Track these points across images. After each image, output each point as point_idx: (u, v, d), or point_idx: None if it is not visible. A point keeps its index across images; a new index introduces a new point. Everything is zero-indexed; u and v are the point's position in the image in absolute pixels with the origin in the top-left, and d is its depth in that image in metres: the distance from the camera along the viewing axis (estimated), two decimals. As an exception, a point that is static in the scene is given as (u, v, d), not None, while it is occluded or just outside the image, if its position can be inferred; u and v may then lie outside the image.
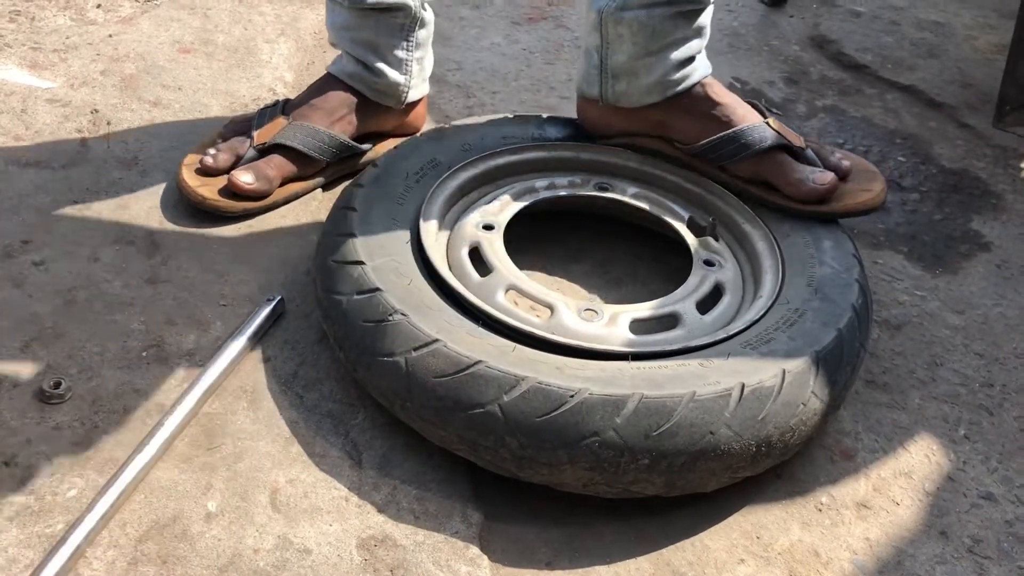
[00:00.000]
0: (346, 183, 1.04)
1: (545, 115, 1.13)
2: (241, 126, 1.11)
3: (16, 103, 1.18)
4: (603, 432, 0.76)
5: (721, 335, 0.88)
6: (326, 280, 0.90)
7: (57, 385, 0.84)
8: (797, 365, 0.82)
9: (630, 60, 1.02)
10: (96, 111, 1.19)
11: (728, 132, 1.02)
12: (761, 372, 0.81)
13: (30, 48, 1.28)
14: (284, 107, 1.11)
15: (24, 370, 0.86)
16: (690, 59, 1.03)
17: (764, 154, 1.01)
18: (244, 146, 1.07)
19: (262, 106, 1.14)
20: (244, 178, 1.04)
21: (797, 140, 1.03)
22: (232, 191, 1.04)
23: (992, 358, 1.02)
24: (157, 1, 1.43)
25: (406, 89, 1.14)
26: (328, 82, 1.13)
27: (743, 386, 0.79)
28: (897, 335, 1.03)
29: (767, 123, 1.03)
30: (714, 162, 1.04)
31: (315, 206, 1.10)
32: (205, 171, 1.06)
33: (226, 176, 1.05)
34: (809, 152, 1.03)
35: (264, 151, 1.07)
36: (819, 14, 1.65)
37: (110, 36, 1.33)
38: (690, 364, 0.82)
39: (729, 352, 0.84)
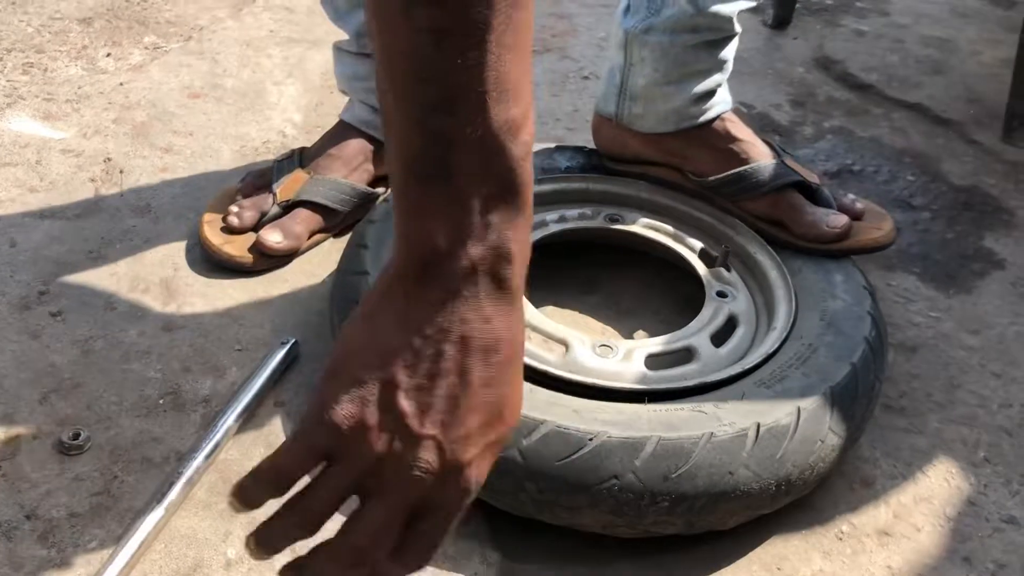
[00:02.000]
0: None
1: (553, 145, 1.14)
2: (259, 180, 1.11)
3: (31, 154, 1.20)
4: (622, 475, 0.76)
5: (735, 371, 0.87)
6: (342, 321, 0.90)
7: (76, 436, 0.85)
8: (811, 403, 0.82)
9: (649, 85, 1.03)
10: (109, 159, 1.21)
11: (744, 168, 1.02)
12: (776, 411, 0.81)
13: (43, 99, 1.31)
14: (300, 158, 1.12)
15: (43, 422, 0.87)
16: (710, 93, 1.03)
17: (779, 192, 1.01)
18: (267, 202, 1.07)
19: (278, 157, 1.14)
20: (273, 238, 1.04)
21: (812, 178, 1.03)
22: (261, 251, 1.04)
23: (1010, 378, 1.01)
24: (166, 48, 1.45)
25: None
26: (343, 131, 1.14)
27: (759, 426, 0.79)
28: (913, 357, 1.03)
29: (783, 162, 1.03)
30: (728, 197, 1.04)
31: (327, 246, 1.11)
32: (230, 229, 1.06)
33: (251, 232, 1.06)
34: (825, 191, 1.03)
35: (288, 207, 1.07)
36: (823, 35, 1.65)
37: (121, 84, 1.35)
38: (705, 406, 0.82)
39: (744, 392, 0.84)
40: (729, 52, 1.03)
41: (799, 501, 0.86)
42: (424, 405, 0.47)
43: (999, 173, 1.33)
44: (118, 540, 0.77)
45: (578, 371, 0.87)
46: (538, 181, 1.07)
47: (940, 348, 1.04)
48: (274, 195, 1.07)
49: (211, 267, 1.06)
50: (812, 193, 1.02)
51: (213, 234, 1.05)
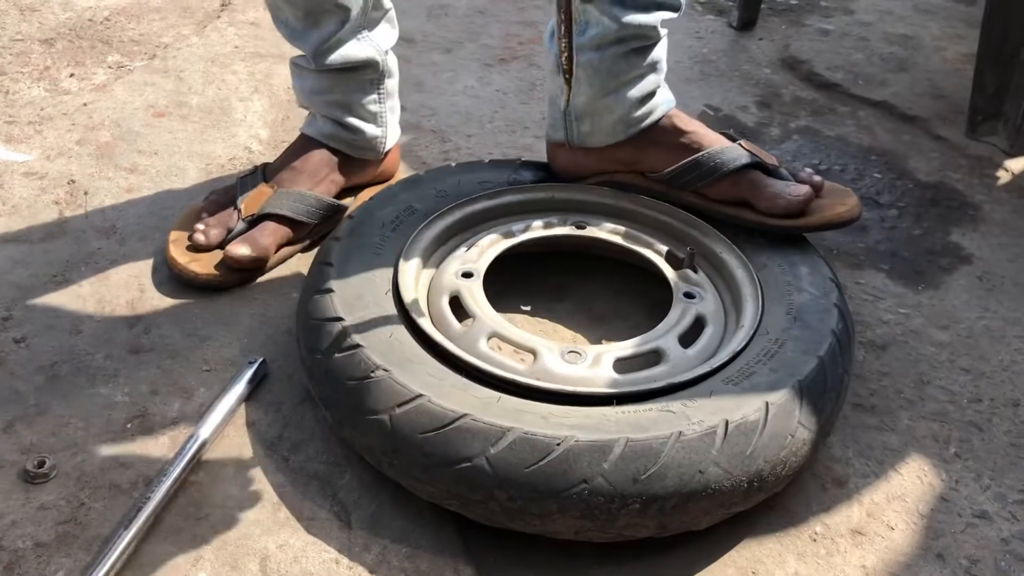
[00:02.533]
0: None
1: (520, 158, 1.14)
2: (223, 198, 1.10)
3: (-7, 179, 1.19)
4: (591, 479, 0.76)
5: (702, 370, 0.87)
6: (308, 339, 0.90)
7: (41, 464, 0.84)
8: (780, 397, 0.82)
9: (590, 102, 1.04)
10: (73, 181, 1.19)
11: (699, 155, 1.03)
12: (744, 407, 0.81)
13: (4, 122, 1.29)
14: (264, 173, 1.11)
15: (8, 451, 0.86)
16: (650, 95, 1.04)
17: (738, 173, 1.02)
18: (233, 219, 1.07)
19: (241, 173, 1.14)
20: (241, 251, 1.03)
21: (769, 159, 1.05)
22: (229, 265, 1.03)
23: (979, 372, 1.01)
24: (130, 66, 1.44)
25: (383, 140, 1.16)
26: (306, 144, 1.13)
27: (727, 423, 0.79)
28: (883, 355, 1.03)
29: (739, 144, 1.04)
30: (687, 186, 1.04)
31: (295, 263, 1.10)
32: (196, 247, 1.05)
33: (218, 249, 1.05)
34: (783, 170, 1.05)
35: (254, 221, 1.06)
36: (788, 35, 1.66)
37: (85, 105, 1.34)
38: (673, 405, 0.82)
39: (712, 390, 0.84)
40: (659, 53, 1.04)
41: (772, 502, 0.86)
42: None
43: (964, 168, 1.34)
44: (85, 569, 0.76)
45: (547, 378, 0.87)
46: (504, 192, 1.08)
47: (910, 345, 1.05)
48: (239, 210, 1.07)
49: (178, 287, 1.05)
50: (770, 172, 1.04)
51: (179, 253, 1.05)
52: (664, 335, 0.93)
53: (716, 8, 1.74)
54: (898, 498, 0.88)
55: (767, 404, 0.81)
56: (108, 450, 0.87)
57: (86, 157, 1.24)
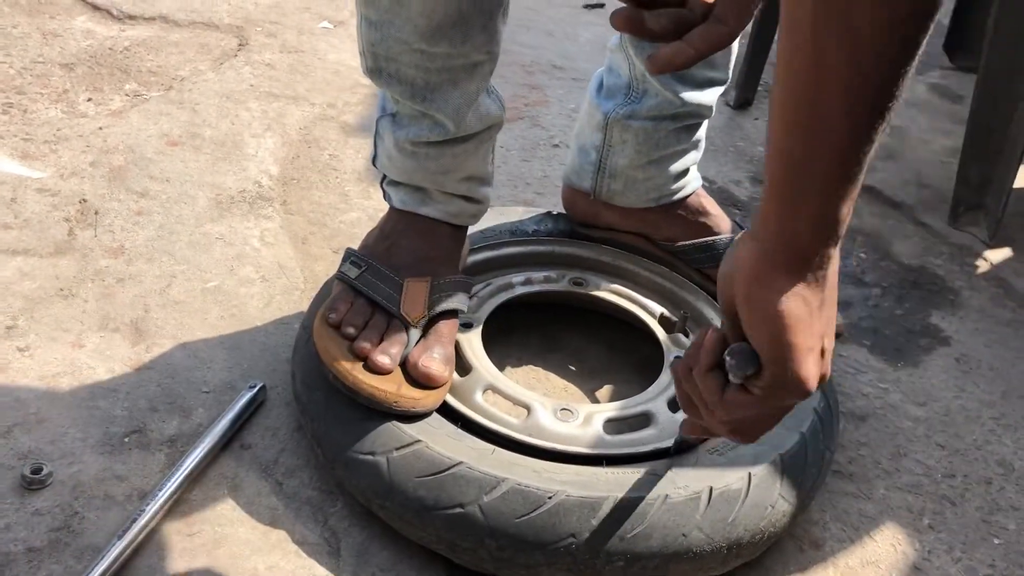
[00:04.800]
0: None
1: (522, 209, 1.18)
2: (354, 305, 0.92)
3: (6, 192, 1.21)
4: (579, 534, 0.78)
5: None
6: (305, 375, 0.92)
7: (38, 471, 0.85)
8: (762, 469, 0.85)
9: (631, 166, 1.07)
10: (84, 201, 1.22)
11: (715, 238, 1.08)
12: (728, 476, 0.84)
13: (21, 139, 1.32)
14: (372, 265, 0.94)
15: (6, 456, 0.87)
16: (686, 171, 1.09)
17: None
18: (402, 332, 0.90)
19: (347, 274, 0.93)
20: (439, 371, 0.89)
21: None
22: (423, 384, 0.88)
23: (953, 449, 1.05)
24: (147, 96, 1.48)
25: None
26: (430, 228, 0.97)
27: (711, 489, 0.82)
28: (862, 426, 1.06)
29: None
30: (694, 263, 1.09)
31: (297, 296, 1.13)
32: (377, 370, 0.87)
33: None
34: None
35: (427, 325, 0.92)
36: (782, 117, 1.73)
37: (100, 128, 1.37)
38: (660, 468, 0.85)
39: (696, 461, 0.87)
40: (702, 132, 1.10)
41: (750, 562, 0.88)
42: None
43: (946, 255, 1.39)
44: (76, 576, 0.76)
45: (539, 435, 0.89)
46: (506, 244, 1.11)
47: (888, 418, 1.08)
48: (402, 318, 0.91)
49: (182, 310, 1.07)
50: None
51: (365, 376, 0.86)
52: (654, 399, 0.96)
53: (715, 86, 1.81)
54: (872, 564, 0.91)
55: (750, 475, 0.85)
56: (104, 462, 0.88)
57: (99, 178, 1.27)
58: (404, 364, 0.89)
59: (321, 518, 0.86)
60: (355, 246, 0.99)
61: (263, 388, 0.97)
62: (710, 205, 1.11)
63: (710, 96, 1.06)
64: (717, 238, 1.08)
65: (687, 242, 1.08)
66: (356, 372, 0.86)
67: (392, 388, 0.86)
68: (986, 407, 1.11)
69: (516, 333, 1.10)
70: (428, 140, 0.92)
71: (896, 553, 0.92)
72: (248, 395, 0.95)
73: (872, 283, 1.31)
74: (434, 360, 0.89)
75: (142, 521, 0.81)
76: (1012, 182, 1.39)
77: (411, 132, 0.92)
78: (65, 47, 1.58)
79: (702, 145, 1.10)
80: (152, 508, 0.82)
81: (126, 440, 0.91)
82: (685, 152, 1.08)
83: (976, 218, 1.43)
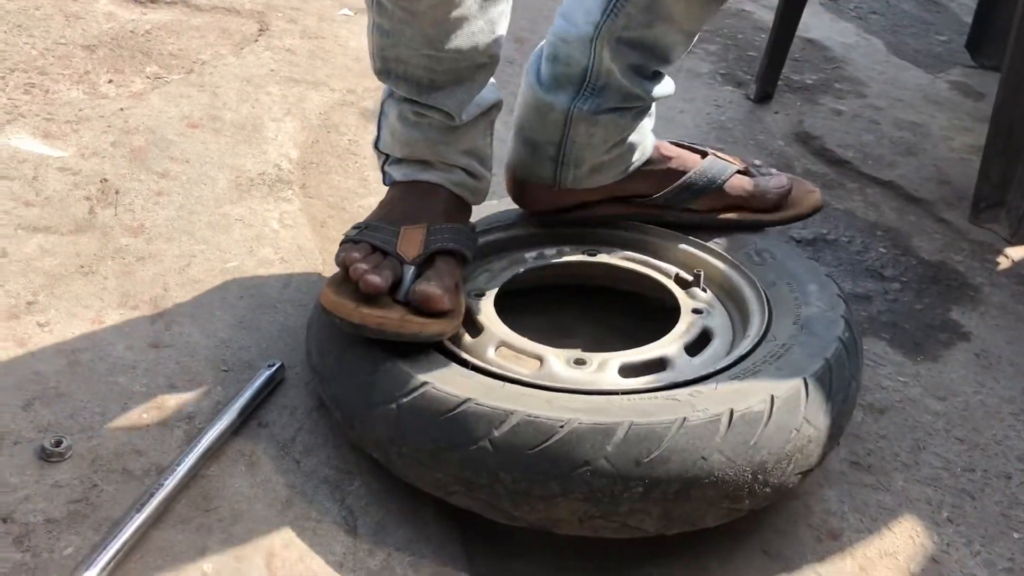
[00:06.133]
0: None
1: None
2: (357, 248, 0.92)
3: (28, 170, 1.21)
4: (594, 461, 0.77)
5: (708, 370, 0.89)
6: (319, 345, 0.92)
7: (58, 443, 0.85)
8: (786, 390, 0.83)
9: (597, 154, 1.06)
10: (105, 180, 1.22)
11: (690, 176, 1.09)
12: (749, 398, 0.82)
13: (44, 119, 1.32)
14: (367, 225, 0.95)
15: (25, 428, 0.87)
16: (644, 136, 1.09)
17: (724, 184, 1.10)
18: (397, 265, 0.91)
19: (353, 235, 0.94)
20: (436, 292, 0.87)
21: (739, 162, 1.13)
22: (419, 306, 0.88)
23: (973, 444, 1.04)
24: (168, 78, 1.48)
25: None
26: (430, 190, 0.99)
27: (732, 411, 0.80)
28: (881, 419, 1.06)
29: (713, 155, 1.12)
30: (678, 205, 1.10)
31: (315, 279, 1.13)
32: (369, 289, 0.87)
33: (388, 298, 0.89)
34: (751, 168, 1.14)
35: (422, 264, 0.92)
36: (803, 111, 1.72)
37: (121, 110, 1.37)
38: (678, 393, 0.84)
39: (717, 383, 0.86)
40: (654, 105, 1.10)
41: (768, 550, 0.88)
42: None
43: (966, 251, 1.38)
44: (94, 548, 0.76)
45: (552, 380, 0.88)
46: (515, 225, 1.11)
47: (907, 411, 1.07)
48: (397, 256, 0.91)
49: (202, 289, 1.07)
50: (746, 174, 1.13)
51: (365, 309, 0.86)
52: (670, 344, 0.95)
53: (735, 80, 1.80)
54: (890, 555, 0.90)
55: (772, 397, 0.82)
56: (123, 436, 0.88)
57: (119, 158, 1.27)
58: (408, 303, 0.89)
59: (339, 496, 0.86)
60: None
61: (282, 367, 0.97)
62: (668, 150, 1.11)
63: (668, 83, 1.08)
64: (690, 176, 1.09)
65: (667, 190, 1.09)
66: (361, 309, 0.86)
67: (396, 316, 0.86)
68: (1006, 403, 1.10)
69: (527, 320, 1.09)
70: (431, 117, 0.96)
71: (914, 545, 0.91)
72: (267, 373, 0.95)
73: (892, 277, 1.31)
74: (431, 284, 0.88)
75: (160, 495, 0.81)
76: (1034, 180, 1.38)
77: (416, 106, 0.96)
78: (87, 29, 1.58)
79: (654, 109, 1.10)
80: (170, 483, 0.82)
81: (144, 416, 0.91)
82: (643, 124, 1.08)
83: (997, 215, 1.42)
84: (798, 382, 0.85)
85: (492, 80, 1.01)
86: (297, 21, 1.71)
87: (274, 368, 0.96)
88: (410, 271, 0.90)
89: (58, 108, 1.36)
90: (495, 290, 1.02)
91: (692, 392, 0.84)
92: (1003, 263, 1.37)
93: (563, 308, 1.13)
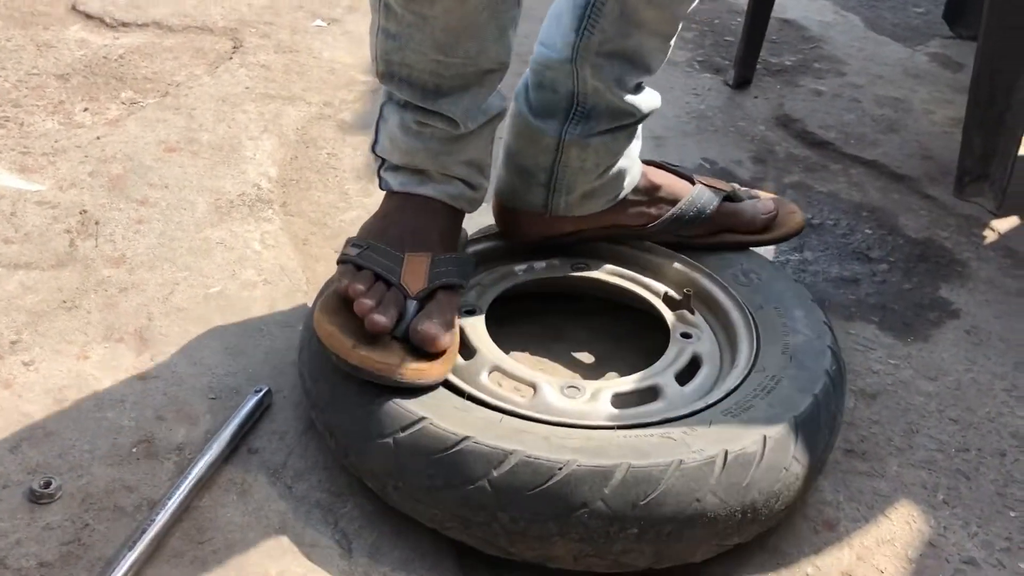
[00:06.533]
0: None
1: None
2: (358, 276, 0.90)
3: (6, 206, 1.21)
4: (592, 503, 0.78)
5: (701, 405, 0.90)
6: (312, 370, 0.92)
7: (47, 485, 0.85)
8: (777, 431, 0.85)
9: (591, 180, 1.04)
10: (85, 211, 1.22)
11: (681, 206, 1.09)
12: (743, 439, 0.83)
13: (19, 152, 1.32)
14: (368, 246, 0.93)
15: (14, 471, 0.87)
16: (633, 161, 1.08)
17: (714, 213, 1.11)
18: (401, 300, 0.89)
19: (351, 256, 0.92)
20: (438, 332, 0.87)
21: (726, 187, 1.14)
22: (425, 349, 0.87)
23: (966, 423, 1.04)
24: (143, 103, 1.48)
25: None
26: (428, 205, 0.96)
27: (727, 453, 0.81)
28: (873, 404, 1.06)
29: (702, 185, 1.12)
30: (672, 232, 1.10)
31: (300, 298, 1.13)
32: (372, 334, 0.86)
33: (390, 339, 0.88)
34: (737, 192, 1.15)
35: (425, 297, 0.91)
36: (783, 94, 1.71)
37: (98, 138, 1.37)
38: (674, 431, 0.85)
39: (711, 420, 0.86)
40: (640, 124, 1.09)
41: (765, 544, 0.88)
42: None
43: (952, 227, 1.38)
44: (89, 588, 0.77)
45: (546, 412, 0.89)
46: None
47: (899, 394, 1.07)
48: (400, 287, 0.90)
49: (186, 317, 1.07)
50: (732, 198, 1.13)
51: (363, 351, 0.84)
52: (661, 373, 0.96)
53: (713, 67, 1.79)
54: (887, 542, 0.90)
55: (765, 437, 0.84)
56: (113, 473, 0.88)
57: (98, 188, 1.27)
58: (406, 338, 0.88)
59: (331, 520, 0.86)
60: None
61: (269, 392, 0.97)
62: (656, 176, 1.10)
63: (654, 96, 1.07)
64: (680, 206, 1.09)
65: (660, 220, 1.09)
66: (359, 350, 0.84)
67: (395, 361, 0.85)
68: (998, 379, 1.10)
69: (519, 324, 1.10)
70: (434, 127, 0.94)
71: (911, 530, 0.91)
72: (254, 400, 0.95)
73: (878, 258, 1.30)
74: (433, 323, 0.87)
75: (152, 531, 0.81)
76: (1017, 150, 1.37)
77: (419, 115, 0.94)
78: (60, 58, 1.57)
79: (641, 131, 1.09)
80: (162, 517, 0.82)
81: (134, 450, 0.91)
82: (632, 147, 1.07)
83: (981, 188, 1.41)
84: (789, 421, 0.86)
85: (498, 88, 0.99)
86: (270, 36, 1.71)
87: (261, 393, 0.96)
88: (412, 305, 0.89)
89: (34, 140, 1.35)
90: (486, 307, 1.01)
91: (686, 430, 0.84)
92: (989, 236, 1.36)
93: (554, 311, 1.13)
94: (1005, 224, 1.39)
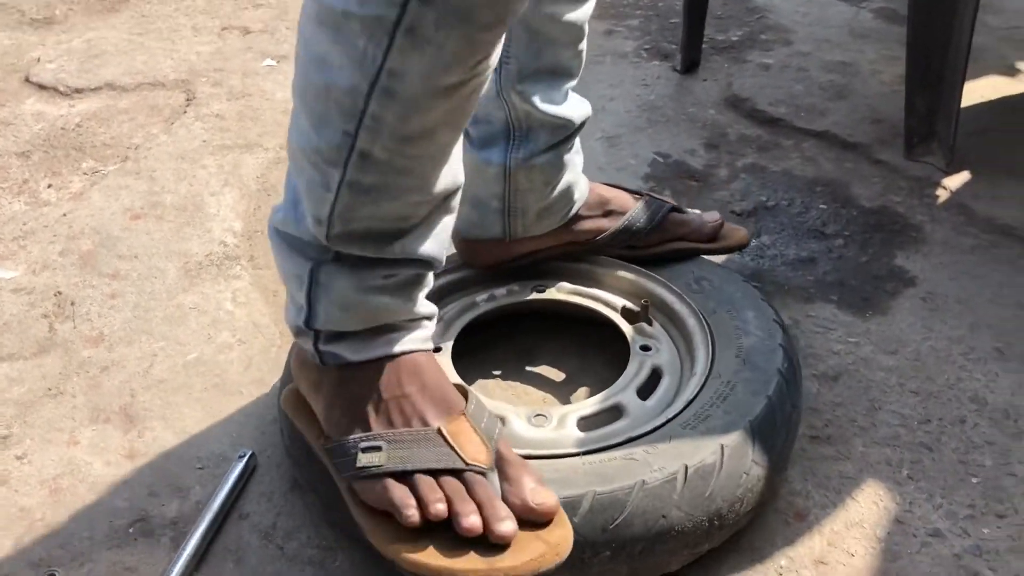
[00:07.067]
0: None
1: None
2: (419, 485, 0.75)
3: (-17, 299, 1.25)
4: None
5: (661, 420, 0.93)
6: (289, 427, 0.95)
7: (51, 577, 0.89)
8: (734, 439, 0.88)
9: (543, 198, 1.09)
10: (59, 293, 1.26)
11: (630, 215, 1.14)
12: (702, 451, 0.87)
13: (-10, 241, 1.36)
14: (382, 441, 0.77)
15: (19, 567, 0.92)
16: (578, 175, 1.11)
17: (663, 221, 1.14)
18: (484, 483, 0.76)
19: (367, 471, 0.76)
20: (551, 496, 0.76)
21: (671, 201, 1.19)
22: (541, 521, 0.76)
23: (927, 393, 1.07)
24: (104, 171, 1.51)
25: None
26: (405, 363, 0.81)
27: (686, 467, 0.85)
28: (835, 386, 1.09)
29: (649, 196, 1.16)
30: (624, 243, 1.14)
31: (274, 353, 1.16)
32: (426, 524, 0.73)
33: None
34: (683, 208, 1.19)
35: (497, 461, 0.78)
36: (731, 73, 1.73)
37: (64, 215, 1.40)
38: (636, 451, 0.88)
39: (671, 435, 0.90)
40: (577, 136, 1.11)
41: (737, 543, 0.92)
42: None
43: (905, 190, 1.40)
44: (101, 674, 0.81)
45: (516, 443, 0.92)
46: (464, 266, 1.14)
47: (860, 373, 1.11)
48: (475, 468, 0.76)
49: (166, 388, 1.11)
50: (677, 210, 1.18)
51: (427, 556, 0.73)
52: (623, 390, 0.99)
53: (660, 53, 1.81)
54: (856, 525, 0.94)
55: (722, 446, 0.87)
56: (113, 556, 0.92)
57: (70, 267, 1.30)
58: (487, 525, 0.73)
59: (324, 575, 0.90)
60: None
61: (252, 455, 1.01)
62: (604, 191, 1.15)
63: (583, 104, 1.09)
64: (627, 219, 1.13)
65: (609, 232, 1.13)
66: (459, 560, 0.71)
67: (442, 562, 0.71)
68: (955, 344, 1.14)
69: (490, 350, 1.13)
70: (404, 273, 0.80)
71: (879, 510, 0.95)
72: (239, 466, 0.99)
73: (834, 234, 1.33)
74: (539, 489, 0.76)
75: (155, 609, 0.85)
76: (959, 105, 1.39)
77: (383, 268, 0.78)
78: (19, 135, 1.61)
79: (579, 143, 1.12)
80: (163, 595, 0.87)
81: (131, 530, 0.95)
82: (575, 161, 1.10)
83: (930, 147, 1.44)
84: (744, 427, 0.89)
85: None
86: (222, 83, 1.73)
87: (246, 458, 1.00)
88: (495, 478, 0.76)
89: (2, 226, 1.39)
90: (451, 343, 1.05)
91: (647, 448, 0.88)
92: (942, 195, 1.39)
93: (522, 330, 1.16)
94: (956, 180, 1.41)
